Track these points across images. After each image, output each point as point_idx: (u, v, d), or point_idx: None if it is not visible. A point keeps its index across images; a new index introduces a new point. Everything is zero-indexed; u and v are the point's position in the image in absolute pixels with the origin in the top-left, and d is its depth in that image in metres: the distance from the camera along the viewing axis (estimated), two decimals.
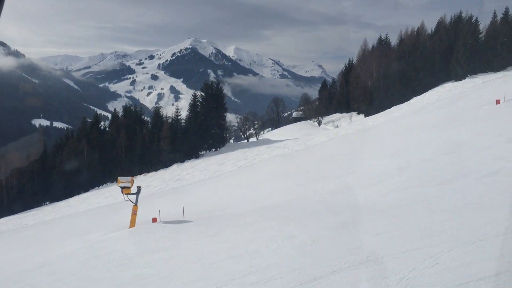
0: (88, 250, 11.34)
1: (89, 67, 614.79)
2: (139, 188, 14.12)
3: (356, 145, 28.89)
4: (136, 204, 13.60)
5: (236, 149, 47.11)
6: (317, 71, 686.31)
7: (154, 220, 13.49)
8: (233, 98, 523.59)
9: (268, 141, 49.58)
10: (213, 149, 51.28)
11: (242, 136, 66.15)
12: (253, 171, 30.31)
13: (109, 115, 58.98)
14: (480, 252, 6.00)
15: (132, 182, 13.69)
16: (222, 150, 49.59)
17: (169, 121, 50.51)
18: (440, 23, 62.14)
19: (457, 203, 9.31)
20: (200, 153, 49.90)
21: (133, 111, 53.10)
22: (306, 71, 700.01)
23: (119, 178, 13.61)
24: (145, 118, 55.35)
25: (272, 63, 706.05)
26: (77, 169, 48.05)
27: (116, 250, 10.56)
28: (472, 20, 56.02)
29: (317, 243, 7.84)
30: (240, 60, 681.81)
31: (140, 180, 45.07)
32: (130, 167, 47.66)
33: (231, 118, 73.59)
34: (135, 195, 13.71)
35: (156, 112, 51.99)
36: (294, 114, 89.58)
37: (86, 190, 46.83)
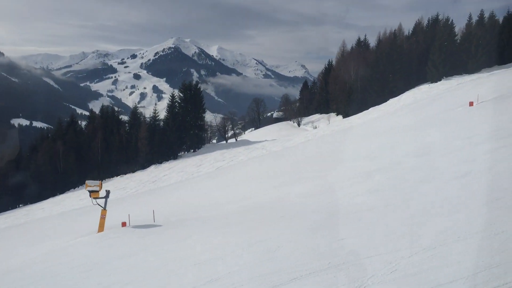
0: (54, 255, 11.13)
1: (70, 66, 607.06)
2: (107, 192, 13.93)
3: (332, 147, 28.96)
4: (104, 208, 13.39)
5: (215, 150, 46.91)
6: (300, 71, 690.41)
7: (124, 224, 13.30)
8: (216, 97, 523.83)
9: (246, 142, 49.49)
10: (192, 150, 50.95)
11: (223, 136, 65.95)
12: (230, 173, 30.16)
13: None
14: (439, 258, 6.00)
15: (101, 186, 13.50)
16: (200, 151, 49.32)
17: (147, 121, 50.04)
18: (418, 25, 63.09)
19: (423, 206, 9.33)
20: (178, 154, 49.54)
21: (111, 112, 52.40)
22: (289, 71, 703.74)
23: (87, 182, 13.42)
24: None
25: (256, 63, 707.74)
26: (52, 171, 47.18)
27: (83, 256, 10.37)
28: (449, 22, 56.99)
29: (282, 249, 7.80)
30: (223, 59, 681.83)
31: (117, 181, 44.56)
32: (107, 169, 47.03)
33: (216, 118, 73.50)
34: (103, 199, 13.49)
35: (134, 113, 51.44)
36: (275, 115, 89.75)
37: (62, 192, 46.02)
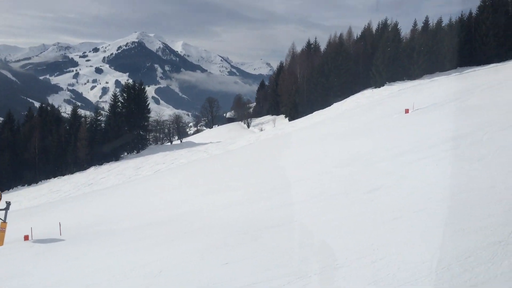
0: None
1: (29, 58, 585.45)
2: (8, 204, 13.16)
3: (268, 152, 28.83)
4: (4, 221, 12.61)
5: (157, 152, 46.08)
6: (265, 69, 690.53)
7: (26, 238, 12.49)
8: (180, 94, 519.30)
9: (190, 144, 48.87)
10: (135, 152, 49.91)
11: (176, 137, 64.09)
12: (164, 178, 29.64)
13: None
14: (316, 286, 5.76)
15: (0, 197, 12.91)
16: (143, 153, 48.34)
17: (88, 121, 48.67)
18: (366, 29, 63.83)
19: (325, 225, 9.15)
20: (120, 155, 48.41)
21: (50, 110, 50.66)
22: (254, 69, 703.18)
23: None
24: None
25: (221, 60, 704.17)
26: None
27: None
28: (398, 27, 57.97)
29: (164, 273, 7.34)
30: (188, 55, 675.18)
31: (53, 183, 43.14)
32: (44, 170, 45.43)
33: (180, 115, 72.19)
34: (3, 211, 12.83)
35: (74, 112, 49.87)
36: (228, 115, 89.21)
37: None
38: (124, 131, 48.32)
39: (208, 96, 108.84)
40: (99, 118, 48.94)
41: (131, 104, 49.82)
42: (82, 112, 57.55)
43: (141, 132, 51.22)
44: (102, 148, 46.08)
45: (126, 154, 49.45)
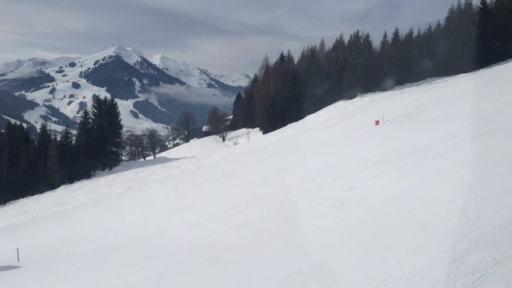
0: None
1: (4, 74, 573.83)
2: None
3: (239, 167, 28.71)
4: None
5: (130, 169, 45.23)
6: (244, 81, 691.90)
7: None
8: (159, 107, 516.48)
9: (164, 160, 48.16)
10: (107, 169, 48.91)
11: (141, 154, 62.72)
12: (134, 195, 29.05)
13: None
14: None
15: None
16: (115, 170, 47.37)
17: (58, 138, 47.53)
18: (338, 41, 64.53)
19: (287, 242, 8.97)
20: (92, 173, 47.33)
21: (18, 128, 49.30)
22: (233, 81, 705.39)
23: None
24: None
25: (199, 72, 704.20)
26: None
27: None
28: (369, 39, 58.89)
29: None
30: (166, 69, 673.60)
31: (21, 204, 41.85)
32: (13, 190, 43.95)
33: (159, 128, 71.33)
34: None
35: (43, 129, 48.63)
36: (204, 128, 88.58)
37: None
38: (95, 147, 47.31)
39: (187, 109, 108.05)
40: (69, 135, 47.78)
41: (102, 120, 48.95)
42: (58, 128, 56.27)
43: (113, 149, 50.25)
44: (72, 166, 44.96)
45: (98, 171, 48.38)
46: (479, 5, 52.32)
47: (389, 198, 10.51)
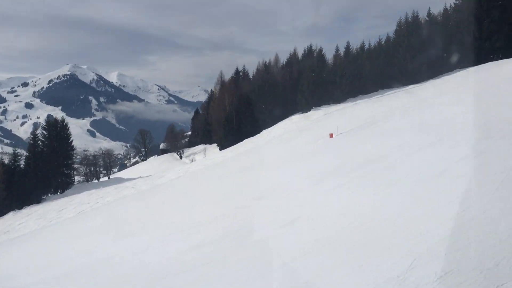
0: None
1: None
2: None
3: (192, 186, 28.19)
4: None
5: (83, 191, 43.64)
6: (203, 96, 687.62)
7: None
8: (117, 125, 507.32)
9: (118, 180, 46.82)
10: (59, 192, 47.01)
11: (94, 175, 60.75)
12: (83, 220, 27.97)
13: None
14: None
15: None
16: (67, 193, 45.60)
17: (6, 161, 45.30)
18: (293, 56, 65.45)
19: (232, 267, 8.63)
20: (43, 197, 45.31)
21: None
22: (192, 96, 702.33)
23: None
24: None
25: (158, 89, 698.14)
26: None
27: None
28: (322, 53, 60.05)
29: None
30: (124, 86, 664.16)
31: None
32: None
33: (117, 147, 69.42)
34: None
35: None
36: (162, 146, 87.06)
37: None
38: (46, 170, 45.39)
39: (146, 126, 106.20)
40: (18, 158, 45.63)
41: (53, 141, 47.18)
42: (11, 150, 53.77)
43: (65, 171, 48.43)
44: (21, 190, 42.86)
45: (49, 195, 46.41)
46: (425, 17, 54.44)
47: (339, 214, 10.40)
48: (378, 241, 7.47)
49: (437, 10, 58.38)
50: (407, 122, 23.41)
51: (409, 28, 53.36)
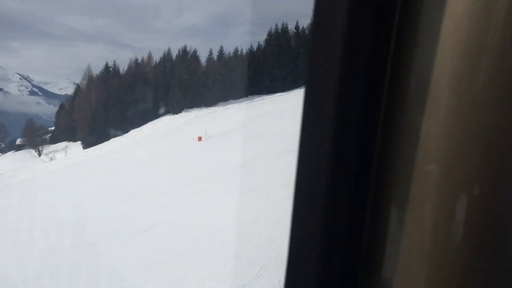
0: None
1: None
2: None
3: (50, 187, 26.00)
4: None
5: None
6: (72, 89, 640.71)
7: None
8: None
9: None
10: None
11: None
12: None
13: None
14: None
15: None
16: None
17: None
18: (166, 55, 64.33)
19: (81, 278, 8.23)
20: None
21: None
22: (60, 89, 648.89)
23: None
24: None
25: (20, 78, 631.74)
26: None
27: None
28: (197, 55, 60.12)
29: None
30: None
31: None
32: None
33: None
34: None
35: None
36: (18, 141, 78.75)
37: None
38: None
39: (5, 118, 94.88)
40: None
41: None
42: None
43: None
44: None
45: None
46: (294, 29, 57.73)
47: (198, 220, 10.49)
48: (230, 248, 7.58)
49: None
50: (272, 129, 24.30)
51: (279, 39, 55.99)
